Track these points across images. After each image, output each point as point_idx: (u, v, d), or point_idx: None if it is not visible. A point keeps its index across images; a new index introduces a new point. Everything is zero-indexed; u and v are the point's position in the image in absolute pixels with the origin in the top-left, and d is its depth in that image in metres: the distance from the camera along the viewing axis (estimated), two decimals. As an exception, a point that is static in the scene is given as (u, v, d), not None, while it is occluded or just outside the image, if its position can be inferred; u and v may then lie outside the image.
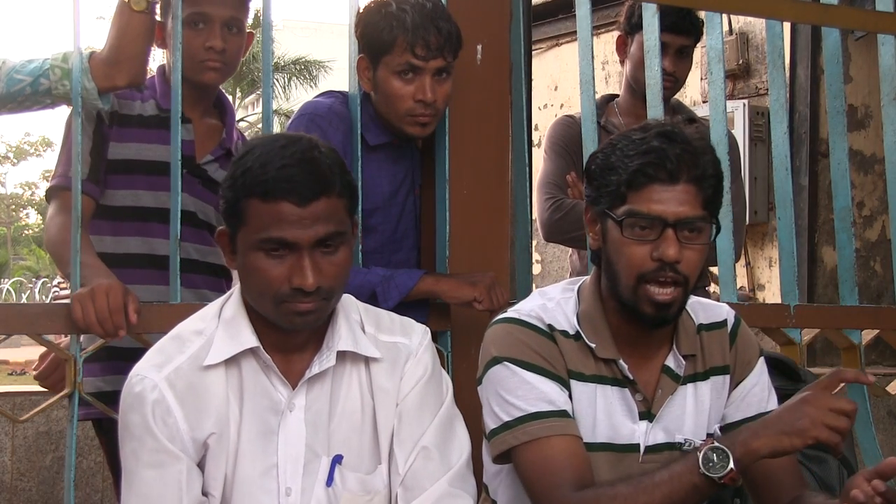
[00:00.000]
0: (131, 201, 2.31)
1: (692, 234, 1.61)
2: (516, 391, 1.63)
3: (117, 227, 2.32)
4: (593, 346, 1.68)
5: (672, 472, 1.51)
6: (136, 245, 2.31)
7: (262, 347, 1.54)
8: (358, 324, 1.61)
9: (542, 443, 1.59)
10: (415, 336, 1.64)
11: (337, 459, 1.54)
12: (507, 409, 1.63)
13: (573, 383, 1.67)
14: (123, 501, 1.50)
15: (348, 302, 1.64)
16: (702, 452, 1.48)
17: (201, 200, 2.39)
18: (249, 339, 1.53)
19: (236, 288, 1.61)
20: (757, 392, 1.78)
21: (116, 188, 2.31)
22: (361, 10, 2.20)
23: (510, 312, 1.73)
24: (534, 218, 2.63)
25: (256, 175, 1.46)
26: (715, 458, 1.48)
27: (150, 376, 1.50)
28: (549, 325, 1.68)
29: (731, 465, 1.47)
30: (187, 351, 1.54)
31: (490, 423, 1.66)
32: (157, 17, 2.23)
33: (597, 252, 1.70)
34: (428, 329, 1.69)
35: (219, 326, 1.55)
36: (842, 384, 1.60)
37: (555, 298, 1.73)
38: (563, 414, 1.62)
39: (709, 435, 1.74)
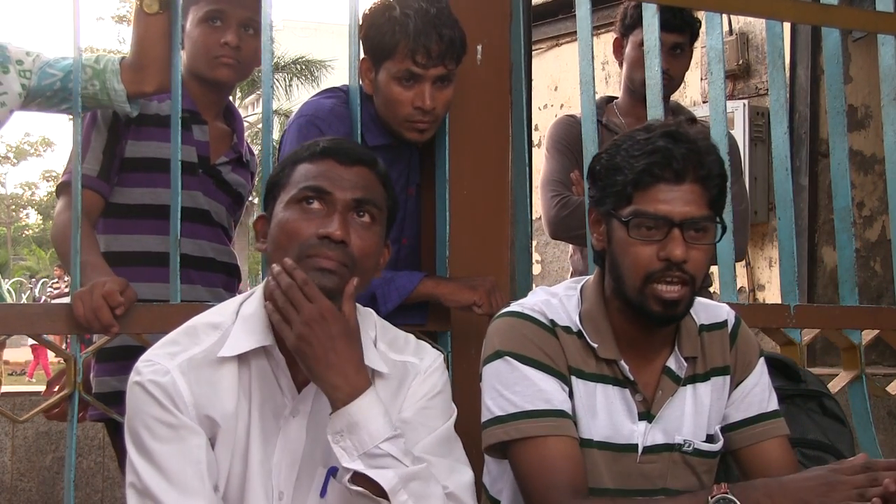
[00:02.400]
0: (150, 199, 2.32)
1: (698, 233, 1.61)
2: (514, 387, 1.63)
3: (135, 225, 2.33)
4: (595, 346, 1.68)
5: None
6: (154, 243, 2.31)
7: (276, 346, 1.53)
8: (371, 339, 1.60)
9: (539, 442, 1.58)
10: (426, 358, 1.63)
11: (332, 471, 1.52)
12: (501, 403, 1.63)
13: (573, 380, 1.67)
14: (143, 479, 1.45)
15: (366, 316, 1.63)
16: (713, 499, 1.45)
17: (214, 201, 2.40)
18: (266, 337, 1.53)
19: (259, 287, 1.61)
20: (757, 392, 1.78)
21: (134, 186, 2.32)
22: (367, 11, 2.19)
23: (514, 306, 1.74)
24: (534, 218, 2.63)
25: (308, 146, 1.59)
26: None
27: (161, 362, 1.49)
28: (552, 321, 1.69)
29: None
30: (202, 343, 1.52)
31: (483, 416, 1.66)
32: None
33: (600, 252, 1.70)
34: (441, 354, 1.69)
35: (237, 322, 1.55)
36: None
37: (558, 295, 1.74)
38: (560, 413, 1.62)
39: (709, 436, 1.73)
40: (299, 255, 1.49)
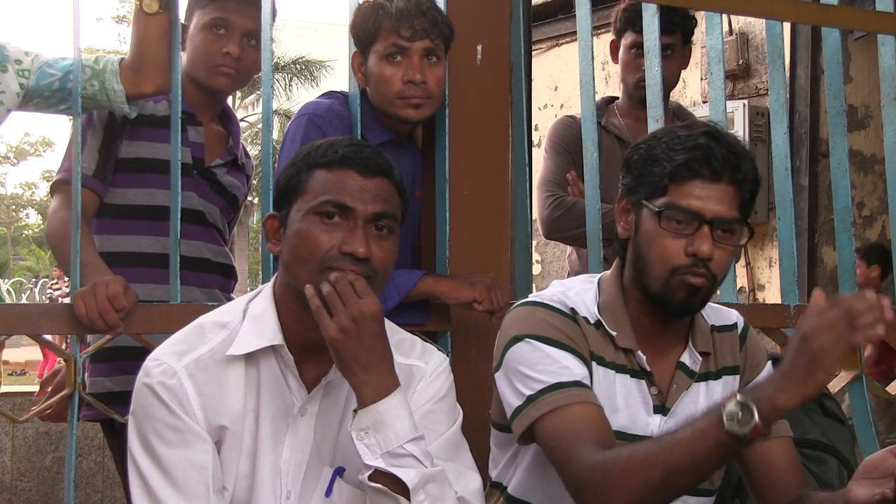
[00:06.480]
0: (145, 200, 2.32)
1: (725, 234, 1.63)
2: (537, 365, 1.62)
3: (129, 226, 2.32)
4: (614, 334, 1.69)
5: (694, 428, 1.44)
6: (148, 244, 2.31)
7: (286, 346, 1.53)
8: None
9: (562, 411, 1.58)
10: (432, 361, 1.63)
11: (339, 471, 1.53)
12: (530, 383, 1.62)
13: (594, 366, 1.68)
14: (148, 482, 1.46)
15: None
16: (725, 408, 1.40)
17: (208, 202, 2.40)
18: (276, 336, 1.52)
19: (267, 285, 1.61)
20: None
21: (128, 186, 2.32)
22: (354, 10, 2.21)
23: (531, 297, 1.74)
24: (534, 218, 2.64)
25: (324, 150, 1.54)
26: (740, 414, 1.38)
27: (169, 363, 1.49)
28: (572, 309, 1.69)
29: (756, 419, 1.37)
30: (209, 343, 1.52)
31: (513, 402, 1.65)
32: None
33: (624, 242, 1.72)
34: (447, 357, 1.68)
35: (245, 321, 1.55)
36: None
37: (574, 288, 1.75)
38: (582, 384, 1.62)
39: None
40: (319, 268, 1.48)
